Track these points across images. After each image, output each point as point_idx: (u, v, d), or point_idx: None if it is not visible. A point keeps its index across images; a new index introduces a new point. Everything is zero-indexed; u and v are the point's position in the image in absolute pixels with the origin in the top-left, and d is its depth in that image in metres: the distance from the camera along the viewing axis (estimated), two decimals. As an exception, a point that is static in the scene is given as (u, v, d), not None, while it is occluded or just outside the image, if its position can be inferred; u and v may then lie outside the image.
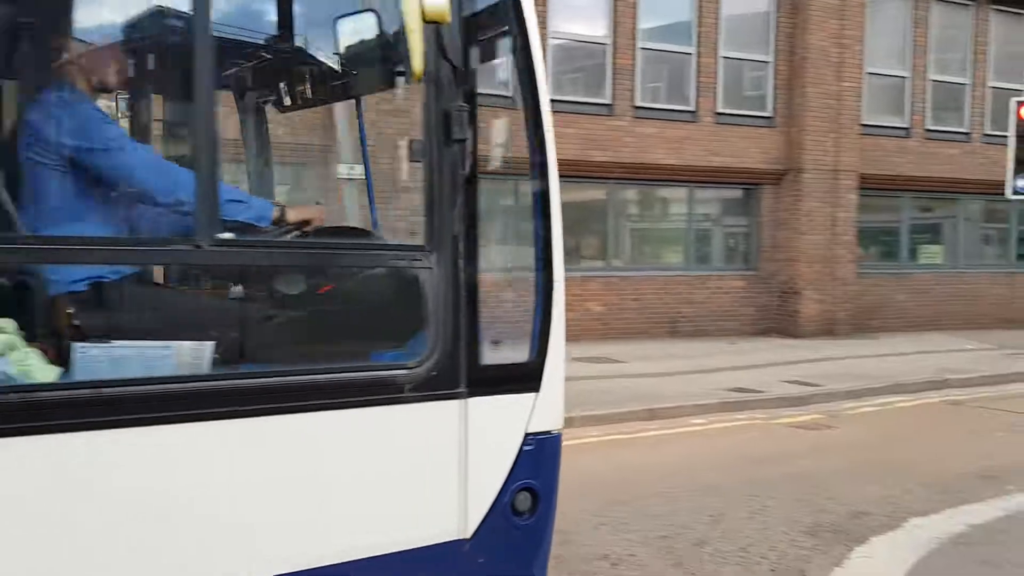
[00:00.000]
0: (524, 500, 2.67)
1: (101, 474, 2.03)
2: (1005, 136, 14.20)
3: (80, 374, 2.19)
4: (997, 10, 17.70)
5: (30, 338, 2.19)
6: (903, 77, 16.90)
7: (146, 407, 2.09)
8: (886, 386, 10.97)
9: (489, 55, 2.70)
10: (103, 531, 2.05)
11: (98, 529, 2.04)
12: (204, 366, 2.29)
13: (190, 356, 2.29)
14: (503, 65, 2.69)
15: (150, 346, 2.30)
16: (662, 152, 14.54)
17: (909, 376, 11.51)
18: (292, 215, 2.80)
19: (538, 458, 2.70)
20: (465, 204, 2.51)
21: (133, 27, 3.03)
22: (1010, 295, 18.28)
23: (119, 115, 3.36)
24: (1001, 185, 14.07)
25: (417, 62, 2.31)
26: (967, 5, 17.47)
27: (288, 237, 2.73)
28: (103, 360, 2.23)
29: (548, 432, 2.73)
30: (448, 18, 2.35)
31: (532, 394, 2.69)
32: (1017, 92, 16.73)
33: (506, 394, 2.64)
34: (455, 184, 2.49)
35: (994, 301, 18.07)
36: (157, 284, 2.88)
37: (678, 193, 15.56)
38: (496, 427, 2.63)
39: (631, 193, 15.46)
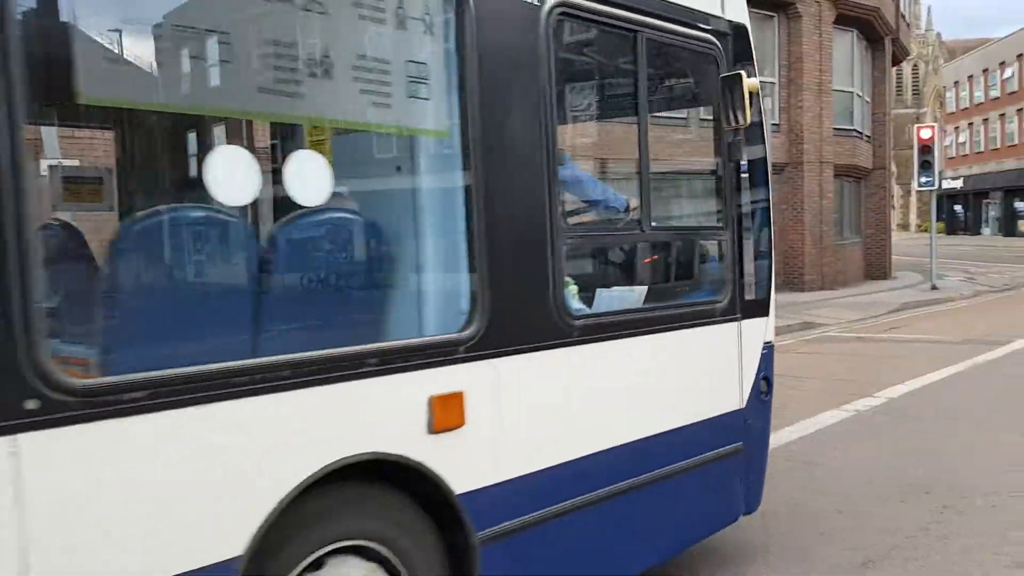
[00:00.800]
0: (764, 385, 4.21)
1: (607, 364, 3.35)
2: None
3: (600, 307, 3.61)
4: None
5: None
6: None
7: (622, 327, 3.43)
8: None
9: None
10: (607, 396, 3.38)
11: (604, 395, 3.36)
12: (640, 301, 3.73)
13: (638, 296, 3.77)
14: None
15: (626, 290, 3.83)
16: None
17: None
18: (632, 203, 3.87)
19: (768, 358, 4.23)
20: (739, 199, 3.98)
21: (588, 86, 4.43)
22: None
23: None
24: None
25: (748, 115, 3.70)
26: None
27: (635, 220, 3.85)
28: (607, 299, 3.71)
29: (771, 342, 4.27)
30: (757, 90, 3.81)
31: (764, 318, 4.19)
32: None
33: (755, 318, 4.12)
34: (734, 186, 3.96)
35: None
36: (619, 253, 4.16)
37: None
38: (753, 339, 4.12)
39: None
